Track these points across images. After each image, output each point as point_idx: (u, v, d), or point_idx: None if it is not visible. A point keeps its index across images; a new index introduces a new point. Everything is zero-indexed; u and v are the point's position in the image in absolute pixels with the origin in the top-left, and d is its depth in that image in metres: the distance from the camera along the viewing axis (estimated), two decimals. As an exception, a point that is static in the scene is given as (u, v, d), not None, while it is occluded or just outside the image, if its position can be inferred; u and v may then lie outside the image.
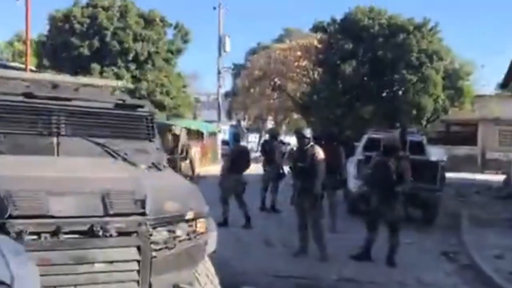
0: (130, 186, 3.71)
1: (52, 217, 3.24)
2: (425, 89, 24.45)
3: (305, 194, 7.24)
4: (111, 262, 3.28)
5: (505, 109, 26.82)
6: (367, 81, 26.68)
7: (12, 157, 4.06)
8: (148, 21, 24.87)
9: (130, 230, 3.41)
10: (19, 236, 3.08)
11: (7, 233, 3.06)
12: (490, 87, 30.47)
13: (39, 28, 33.30)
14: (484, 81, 31.04)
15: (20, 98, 4.44)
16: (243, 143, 14.68)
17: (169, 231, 3.64)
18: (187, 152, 8.13)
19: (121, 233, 3.36)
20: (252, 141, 59.97)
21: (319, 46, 29.85)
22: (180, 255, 3.69)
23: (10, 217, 3.13)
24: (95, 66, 22.89)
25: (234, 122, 54.70)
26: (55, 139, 4.36)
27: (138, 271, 3.35)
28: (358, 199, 10.00)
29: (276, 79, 37.17)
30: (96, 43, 23.46)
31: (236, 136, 13.17)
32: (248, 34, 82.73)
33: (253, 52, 44.41)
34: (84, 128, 4.50)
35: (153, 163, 4.55)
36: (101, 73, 22.61)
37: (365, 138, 12.97)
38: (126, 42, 23.56)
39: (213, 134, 31.53)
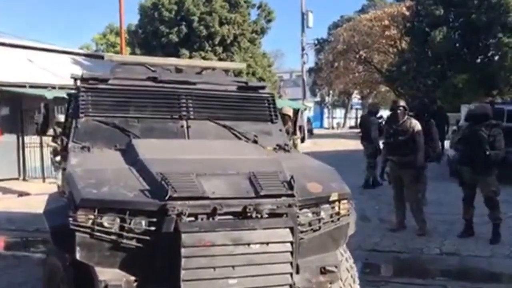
0: (273, 167, 3.72)
1: (208, 198, 3.24)
2: (525, 52, 22.85)
3: (405, 168, 7.14)
4: (266, 243, 3.20)
5: None
6: (459, 48, 25.42)
7: (154, 141, 4.15)
8: (232, 3, 25.27)
9: (281, 211, 3.35)
10: (178, 218, 3.11)
11: (167, 214, 3.12)
12: None
13: (129, 19, 35.03)
14: None
15: (149, 83, 4.59)
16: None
17: (313, 212, 3.58)
18: (303, 132, 8.18)
19: (272, 215, 3.32)
20: (337, 117, 59.45)
21: (407, 13, 28.79)
22: (324, 237, 3.63)
23: (170, 198, 3.14)
24: (184, 52, 23.74)
25: (318, 99, 54.45)
26: (184, 123, 4.46)
27: (292, 253, 3.26)
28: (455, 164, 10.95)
29: (361, 52, 36.44)
30: (184, 29, 24.28)
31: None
32: (331, 8, 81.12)
33: (336, 26, 43.70)
34: (211, 111, 4.58)
35: (278, 145, 4.57)
36: (189, 57, 23.42)
37: (465, 110, 12.92)
38: (212, 27, 24.14)
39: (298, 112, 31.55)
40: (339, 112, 60.37)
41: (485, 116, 6.79)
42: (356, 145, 11.84)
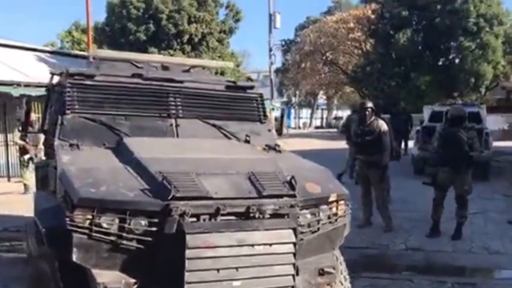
0: (271, 167, 3.67)
1: (211, 198, 3.14)
2: (484, 56, 23.74)
3: (372, 167, 7.39)
4: (270, 244, 3.14)
5: None
6: (422, 50, 26.15)
7: (145, 139, 4.05)
8: (200, 2, 25.29)
9: (283, 212, 3.29)
10: (181, 218, 3.02)
11: (170, 214, 3.02)
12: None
13: (96, 16, 34.47)
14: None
15: (136, 80, 4.46)
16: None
17: (312, 213, 3.54)
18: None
19: (274, 215, 3.26)
20: (303, 117, 60.02)
21: (372, 16, 29.39)
22: (322, 238, 3.59)
23: (173, 198, 3.04)
24: (153, 50, 23.59)
25: (285, 99, 54.82)
26: (173, 121, 4.37)
27: (294, 254, 3.20)
28: (419, 162, 12.38)
29: (327, 53, 36.92)
30: (152, 27, 24.17)
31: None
32: (297, 9, 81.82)
33: (302, 27, 44.11)
34: (199, 110, 4.50)
35: (268, 145, 4.53)
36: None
37: (428, 111, 14.05)
38: (181, 25, 24.16)
39: (266, 111, 31.70)
40: (305, 112, 60.97)
41: (462, 118, 7.08)
42: (323, 144, 12.09)
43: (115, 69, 4.65)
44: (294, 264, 3.21)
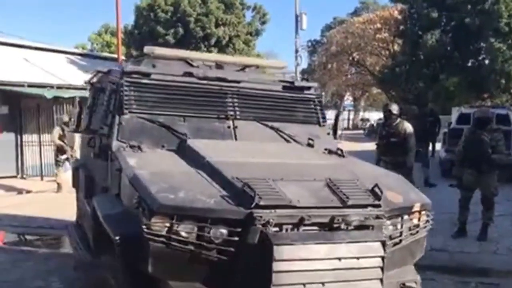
0: (349, 174, 3.46)
1: (295, 207, 2.94)
2: (515, 57, 23.25)
3: (398, 169, 7.39)
4: (358, 258, 2.91)
5: None
6: (451, 51, 25.77)
7: (209, 142, 3.86)
8: (228, 5, 25.55)
9: (369, 223, 3.07)
10: (265, 227, 2.83)
11: (253, 223, 2.84)
12: None
13: (125, 19, 35.17)
14: None
15: (193, 79, 4.27)
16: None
17: (394, 224, 3.31)
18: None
19: (360, 227, 3.06)
20: (329, 118, 59.58)
21: (399, 17, 29.14)
22: (403, 251, 3.39)
23: (256, 206, 2.85)
24: (180, 53, 23.93)
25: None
26: (231, 123, 4.18)
27: (382, 269, 2.96)
28: (447, 164, 12.03)
29: (354, 54, 36.77)
30: (180, 30, 24.51)
31: None
32: (324, 9, 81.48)
33: (329, 28, 44.02)
34: (256, 112, 4.31)
35: (328, 149, 4.29)
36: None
37: (456, 113, 14.11)
38: (208, 28, 24.44)
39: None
40: (330, 114, 60.75)
41: (487, 121, 7.08)
42: (352, 146, 12.06)
43: (170, 68, 4.46)
44: (381, 279, 2.99)
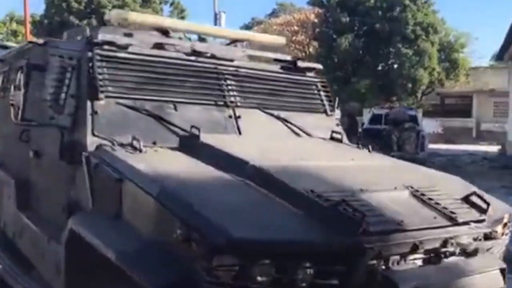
0: (425, 180, 2.79)
1: (404, 230, 2.20)
2: (421, 62, 24.75)
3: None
4: None
5: (499, 81, 27.23)
6: (363, 55, 26.92)
7: (228, 138, 3.10)
8: (145, -2, 24.96)
9: (483, 246, 2.48)
10: (378, 262, 2.10)
11: (359, 257, 2.06)
12: (485, 59, 30.85)
13: (32, 8, 33.20)
14: (478, 53, 31.30)
15: (181, 55, 3.39)
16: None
17: (487, 239, 2.62)
18: None
19: (474, 251, 2.44)
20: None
21: (316, 20, 29.95)
22: None
23: (363, 233, 2.08)
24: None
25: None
26: (231, 112, 3.33)
27: None
28: None
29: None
30: (94, 21, 23.51)
31: None
32: (242, 9, 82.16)
33: (247, 28, 44.30)
34: (258, 98, 3.52)
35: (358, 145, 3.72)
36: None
37: (370, 114, 14.87)
38: (123, 20, 23.67)
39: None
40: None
41: (402, 121, 7.42)
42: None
43: (148, 40, 3.46)
44: None
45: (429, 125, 22.35)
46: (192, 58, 3.43)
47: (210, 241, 1.97)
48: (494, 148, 20.54)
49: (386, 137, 7.31)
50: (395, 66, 26.47)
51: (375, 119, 13.39)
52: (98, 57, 3.05)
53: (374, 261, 2.09)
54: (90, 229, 2.50)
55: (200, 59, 3.45)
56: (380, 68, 27.39)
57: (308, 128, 3.60)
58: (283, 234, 2.06)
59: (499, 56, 20.48)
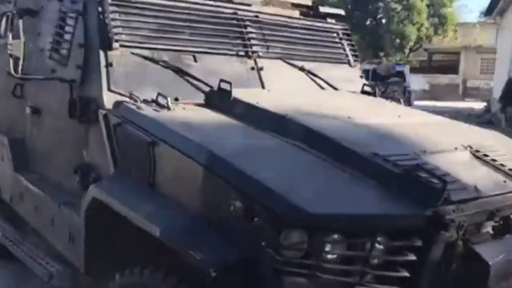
0: (477, 138, 2.58)
1: (480, 197, 1.99)
2: (409, 18, 24.36)
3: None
4: None
5: (487, 37, 27.01)
6: (351, 9, 26.43)
7: (263, 92, 2.90)
8: None
9: None
10: (458, 233, 1.86)
11: (439, 230, 1.81)
12: (474, 13, 30.44)
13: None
14: (467, 8, 30.87)
15: (202, 1, 3.10)
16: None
17: None
18: None
19: None
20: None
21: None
22: None
23: (444, 202, 1.86)
24: None
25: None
26: (253, 63, 3.08)
27: None
28: None
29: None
30: None
31: None
32: None
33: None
34: (281, 47, 3.29)
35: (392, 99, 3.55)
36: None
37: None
38: None
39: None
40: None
41: (383, 75, 7.34)
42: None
43: None
44: None
45: (416, 82, 22.27)
46: (210, 1, 3.13)
47: (281, 216, 1.73)
48: (480, 105, 20.58)
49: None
50: (384, 21, 26.08)
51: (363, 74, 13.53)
52: (109, 0, 2.73)
53: (454, 234, 1.85)
54: (122, 200, 2.22)
55: (217, 3, 3.16)
56: (368, 23, 26.96)
57: (334, 81, 3.36)
58: (355, 207, 1.83)
59: (488, 11, 20.23)
